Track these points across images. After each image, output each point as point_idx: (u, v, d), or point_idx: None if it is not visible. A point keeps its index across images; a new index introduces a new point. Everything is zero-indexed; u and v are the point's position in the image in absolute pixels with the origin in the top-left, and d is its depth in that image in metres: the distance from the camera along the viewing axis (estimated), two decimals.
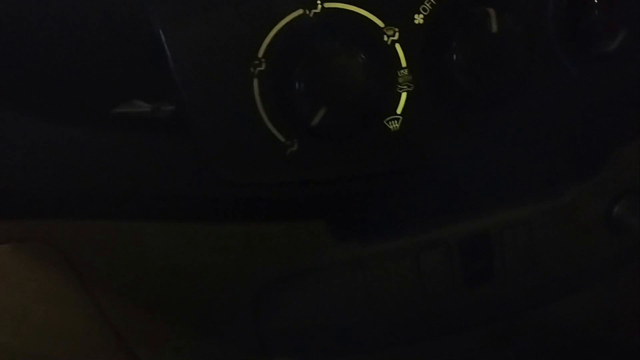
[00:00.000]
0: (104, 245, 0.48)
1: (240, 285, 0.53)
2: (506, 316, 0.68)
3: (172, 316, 0.55)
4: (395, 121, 0.41)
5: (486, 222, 0.57)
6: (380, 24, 0.39)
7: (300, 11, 0.38)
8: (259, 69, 0.39)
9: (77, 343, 0.56)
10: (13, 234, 0.47)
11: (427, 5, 0.39)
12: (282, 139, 0.40)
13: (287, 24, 0.38)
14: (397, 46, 0.39)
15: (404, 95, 0.40)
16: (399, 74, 0.40)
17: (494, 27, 0.38)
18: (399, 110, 0.41)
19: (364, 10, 0.39)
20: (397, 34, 0.39)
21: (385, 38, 0.39)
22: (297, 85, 0.38)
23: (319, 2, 0.38)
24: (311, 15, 0.38)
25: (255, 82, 0.39)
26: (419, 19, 0.39)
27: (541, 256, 0.61)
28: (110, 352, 0.58)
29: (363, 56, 0.38)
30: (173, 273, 0.51)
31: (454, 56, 0.39)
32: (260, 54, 0.38)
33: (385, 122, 0.41)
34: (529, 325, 0.71)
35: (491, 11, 0.38)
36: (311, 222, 0.49)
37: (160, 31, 0.38)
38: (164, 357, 0.61)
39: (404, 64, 0.40)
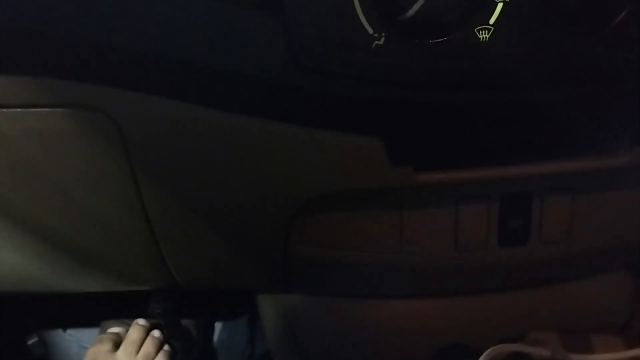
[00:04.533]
0: (158, 124, 0.47)
1: (282, 197, 0.53)
2: (532, 284, 0.67)
3: (208, 218, 0.54)
4: (486, 31, 0.40)
5: (532, 181, 0.56)
6: None
7: None
8: None
9: (108, 232, 0.55)
10: (70, 98, 0.46)
11: None
12: (370, 30, 0.40)
13: None
14: None
15: (499, 6, 0.40)
16: None
17: None
18: (491, 21, 0.40)
19: None
20: None
21: None
22: None
23: None
24: None
25: None
26: None
27: (578, 227, 0.61)
28: (140, 250, 0.57)
29: None
30: (219, 168, 0.50)
31: None
32: None
33: (475, 30, 0.40)
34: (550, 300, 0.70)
35: None
36: (369, 138, 0.48)
37: None
38: (189, 265, 0.60)
39: None
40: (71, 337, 0.94)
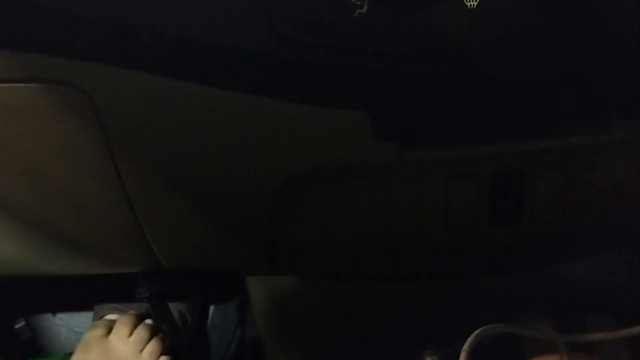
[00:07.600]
0: (134, 99, 0.45)
1: (265, 175, 0.51)
2: (524, 266, 0.66)
3: (190, 196, 0.53)
4: None
5: (524, 158, 0.55)
6: None
7: None
8: None
9: (87, 212, 0.54)
10: (42, 72, 0.44)
11: None
12: None
13: None
14: None
15: None
16: None
17: None
18: None
19: None
20: None
21: None
22: None
23: None
24: None
25: None
26: None
27: (572, 205, 0.59)
28: (122, 230, 0.55)
29: None
30: (198, 144, 0.48)
31: None
32: None
33: None
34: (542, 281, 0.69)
35: None
36: (354, 112, 0.46)
37: None
38: (173, 246, 0.59)
39: None
40: (61, 321, 0.93)
